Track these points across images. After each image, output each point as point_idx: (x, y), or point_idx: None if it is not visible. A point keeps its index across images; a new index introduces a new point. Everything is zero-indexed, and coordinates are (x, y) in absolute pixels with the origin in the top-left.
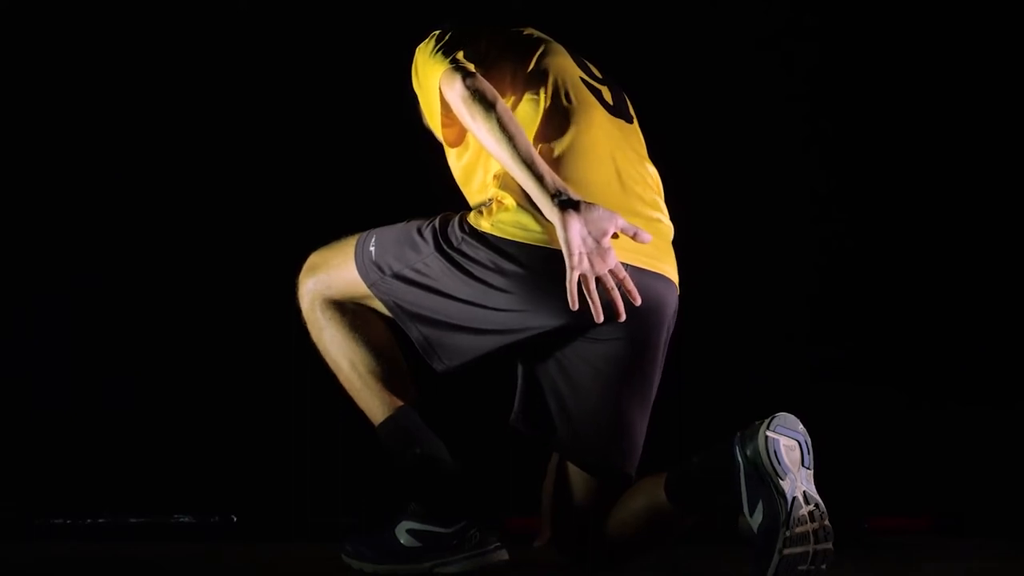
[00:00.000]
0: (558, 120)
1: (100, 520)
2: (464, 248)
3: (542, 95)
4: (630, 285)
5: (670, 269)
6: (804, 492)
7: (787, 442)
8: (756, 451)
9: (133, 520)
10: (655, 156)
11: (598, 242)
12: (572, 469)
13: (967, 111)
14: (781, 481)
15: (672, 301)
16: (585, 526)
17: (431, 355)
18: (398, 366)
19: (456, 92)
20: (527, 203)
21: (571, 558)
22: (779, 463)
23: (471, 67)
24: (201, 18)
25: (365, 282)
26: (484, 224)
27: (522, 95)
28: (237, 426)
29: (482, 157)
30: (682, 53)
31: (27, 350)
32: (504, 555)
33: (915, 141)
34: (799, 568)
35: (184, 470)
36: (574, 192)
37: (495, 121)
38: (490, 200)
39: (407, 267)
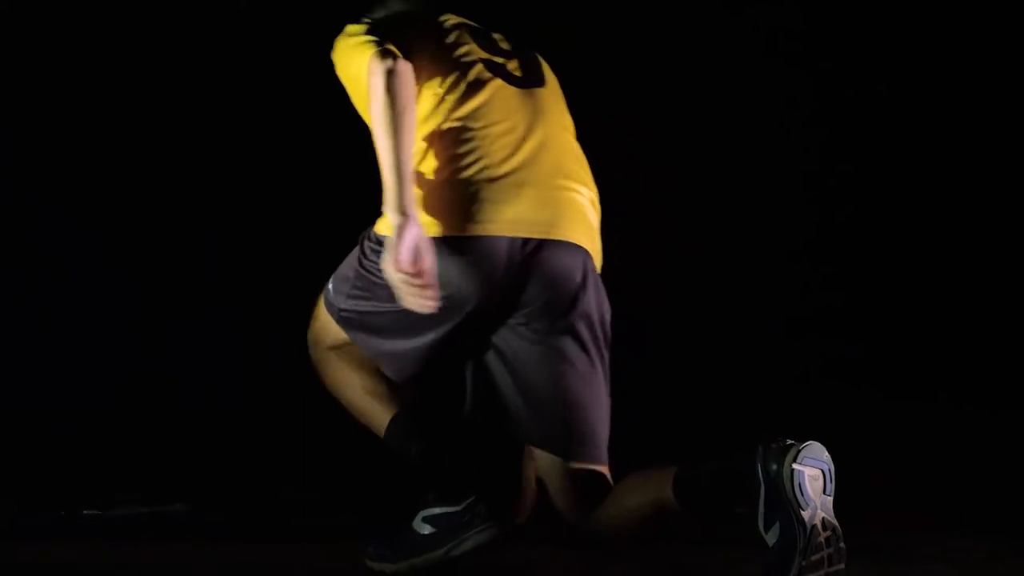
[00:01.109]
0: (459, 106)
1: (91, 512)
2: (374, 258)
3: (444, 84)
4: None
5: (576, 235)
6: (823, 519)
7: (812, 472)
8: (780, 477)
9: (122, 512)
10: (645, 148)
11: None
12: (539, 452)
13: (964, 108)
14: (803, 512)
15: (576, 265)
16: (566, 508)
17: (387, 369)
18: (390, 382)
19: (378, 75)
20: (423, 198)
21: (562, 539)
22: (803, 495)
23: (398, 53)
24: (200, 18)
25: (336, 323)
26: (383, 229)
27: (425, 85)
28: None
29: None
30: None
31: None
32: (512, 525)
33: (910, 140)
34: None
35: (181, 470)
36: (414, 212)
37: (393, 111)
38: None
39: (347, 297)
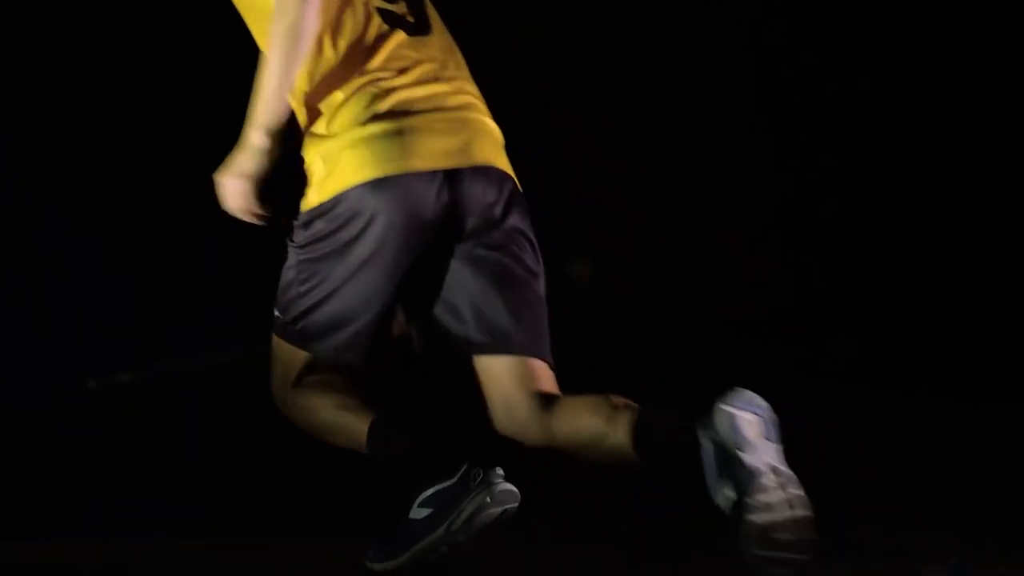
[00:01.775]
0: (366, 57)
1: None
2: (312, 235)
3: (348, 35)
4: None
5: (494, 158)
6: (772, 466)
7: (747, 416)
8: (715, 427)
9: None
10: (627, 143)
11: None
12: (486, 364)
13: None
14: (742, 453)
15: (498, 187)
16: (517, 407)
17: (358, 357)
18: (360, 395)
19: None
20: (333, 153)
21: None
22: (738, 434)
23: None
24: (200, 18)
25: (295, 343)
26: (313, 199)
27: (327, 36)
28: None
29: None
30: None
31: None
32: (510, 487)
33: (891, 134)
34: (776, 536)
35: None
36: (265, 144)
37: (299, 36)
38: (308, 174)
39: (298, 299)
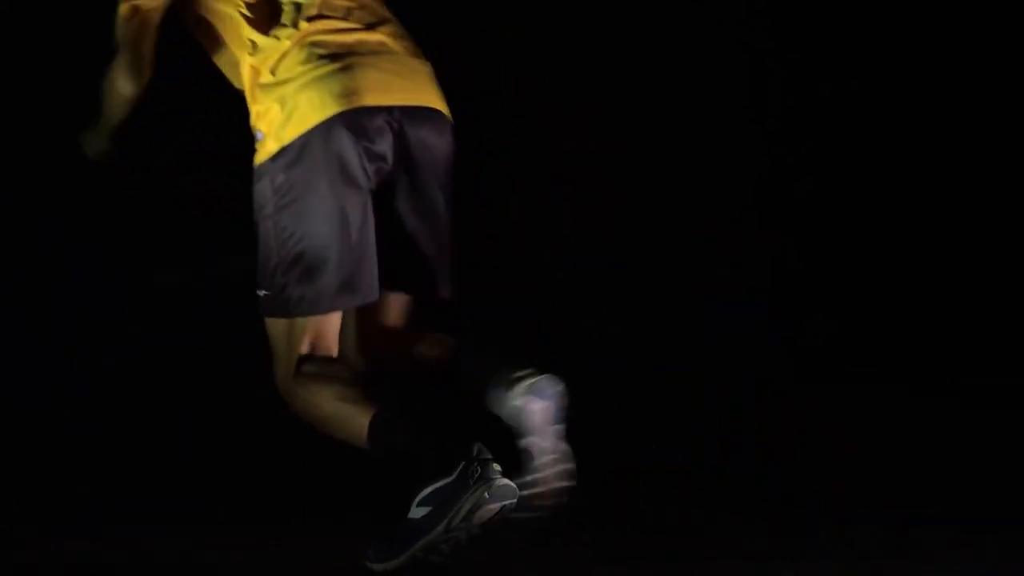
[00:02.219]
0: (289, 8)
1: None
2: (279, 188)
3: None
4: None
5: (432, 100)
6: (551, 447)
7: (536, 406)
8: (505, 415)
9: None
10: (615, 138)
11: None
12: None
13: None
14: (527, 439)
15: (439, 128)
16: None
17: (353, 300)
18: (363, 385)
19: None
20: (289, 96)
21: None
22: (525, 425)
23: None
24: None
25: (293, 315)
26: (272, 146)
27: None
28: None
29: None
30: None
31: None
32: (508, 482)
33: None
34: (538, 503)
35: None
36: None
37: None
38: (258, 132)
39: (274, 268)
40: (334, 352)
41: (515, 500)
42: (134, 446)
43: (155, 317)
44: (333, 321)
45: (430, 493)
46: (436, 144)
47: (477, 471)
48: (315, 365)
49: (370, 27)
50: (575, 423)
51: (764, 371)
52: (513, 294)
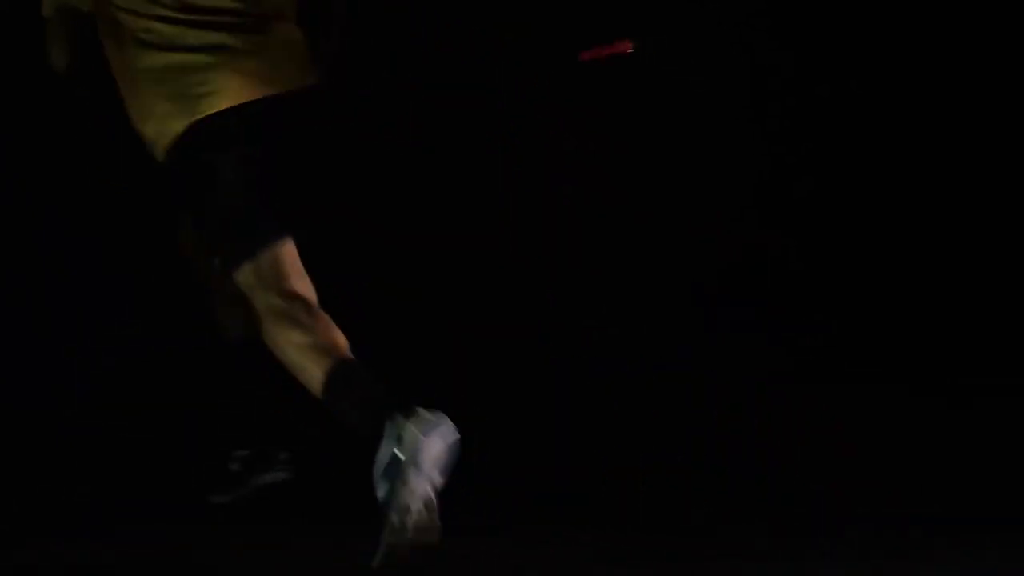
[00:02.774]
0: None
1: None
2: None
3: None
4: None
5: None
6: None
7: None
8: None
9: None
10: (613, 134)
11: None
12: None
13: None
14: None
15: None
16: None
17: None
18: (333, 337)
19: None
20: None
21: None
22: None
23: None
24: None
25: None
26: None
27: None
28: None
29: None
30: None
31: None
32: (427, 412)
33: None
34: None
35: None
36: None
37: None
38: None
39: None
40: (303, 283)
41: (453, 430)
42: (134, 446)
43: (155, 317)
44: (288, 252)
45: (379, 470)
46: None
47: (397, 417)
48: (289, 305)
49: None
50: (575, 423)
51: (764, 371)
52: (513, 294)
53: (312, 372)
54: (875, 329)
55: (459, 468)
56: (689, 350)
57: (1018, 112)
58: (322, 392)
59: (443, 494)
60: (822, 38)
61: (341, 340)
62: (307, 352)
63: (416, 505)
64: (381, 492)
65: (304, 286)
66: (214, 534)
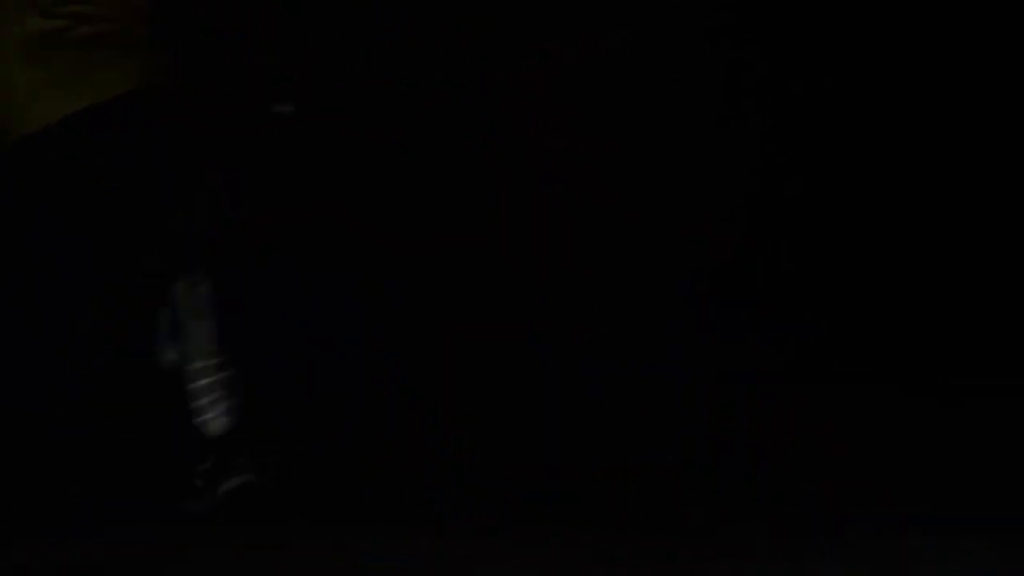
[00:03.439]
0: None
1: None
2: None
3: None
4: None
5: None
6: None
7: None
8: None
9: None
10: (593, 128)
11: None
12: None
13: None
14: None
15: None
16: None
17: None
18: None
19: None
20: None
21: None
22: None
23: None
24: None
25: None
26: None
27: None
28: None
29: None
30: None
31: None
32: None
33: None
34: None
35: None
36: None
37: None
38: None
39: None
40: None
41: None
42: (131, 446)
43: (155, 317)
44: None
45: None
46: None
47: None
48: None
49: None
50: (574, 423)
51: (761, 371)
52: (510, 294)
53: None
54: (867, 328)
55: (459, 468)
56: (686, 350)
57: (1013, 110)
58: None
59: (443, 494)
60: (815, 37)
61: None
62: None
63: None
64: None
65: None
66: (213, 534)
